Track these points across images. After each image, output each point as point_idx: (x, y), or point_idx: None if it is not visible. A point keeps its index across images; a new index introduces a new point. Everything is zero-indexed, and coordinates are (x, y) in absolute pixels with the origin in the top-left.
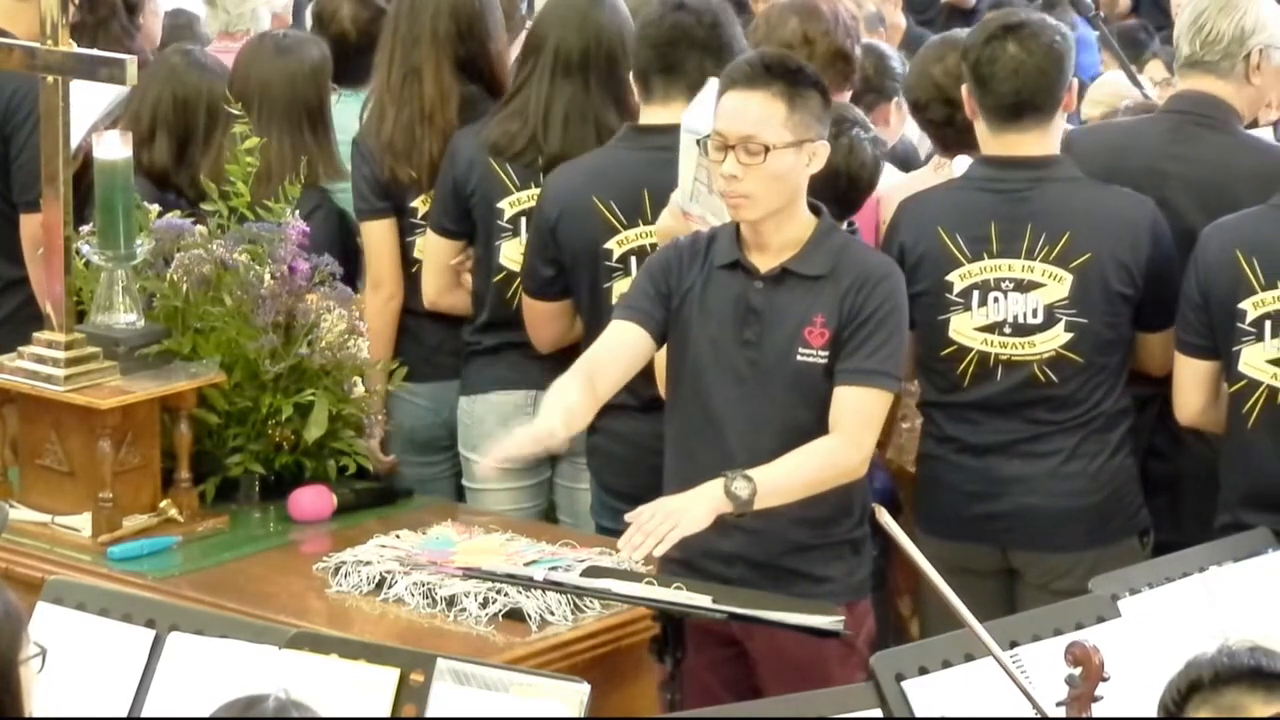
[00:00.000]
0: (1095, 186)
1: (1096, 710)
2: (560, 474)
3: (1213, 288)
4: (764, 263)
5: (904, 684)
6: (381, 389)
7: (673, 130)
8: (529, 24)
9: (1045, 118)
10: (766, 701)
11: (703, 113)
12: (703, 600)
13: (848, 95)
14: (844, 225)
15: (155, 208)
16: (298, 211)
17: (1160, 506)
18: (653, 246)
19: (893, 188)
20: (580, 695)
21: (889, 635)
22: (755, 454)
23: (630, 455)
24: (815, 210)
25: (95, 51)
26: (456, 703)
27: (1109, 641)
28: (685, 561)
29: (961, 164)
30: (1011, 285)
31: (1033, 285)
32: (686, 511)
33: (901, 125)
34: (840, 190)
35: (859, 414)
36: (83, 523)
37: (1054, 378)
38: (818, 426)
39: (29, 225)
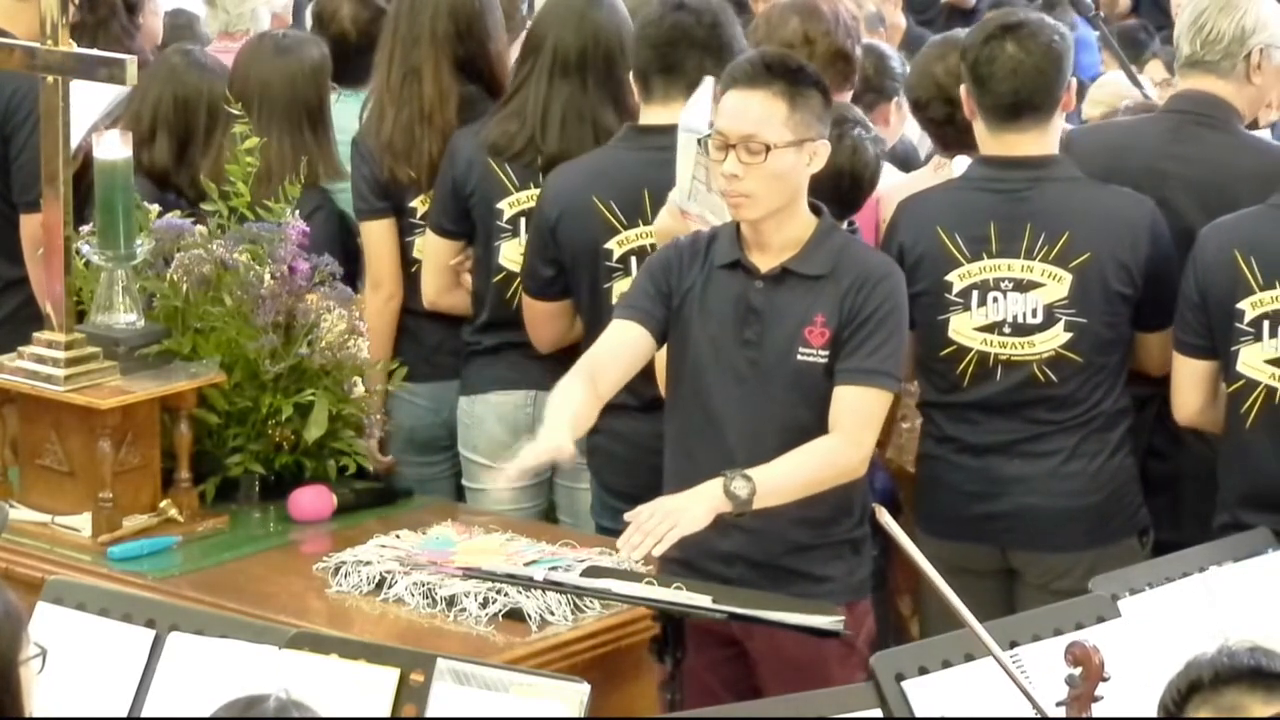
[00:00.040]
0: (1094, 186)
1: (1096, 710)
2: (560, 474)
3: (1211, 287)
4: (764, 262)
5: (904, 684)
6: (381, 389)
7: (673, 130)
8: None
9: (1044, 117)
10: (766, 701)
11: (700, 111)
12: (703, 600)
13: (848, 95)
14: (844, 225)
15: (155, 208)
16: (298, 212)
17: (1160, 506)
18: (653, 247)
19: (893, 188)
20: (580, 695)
21: (889, 635)
22: (755, 454)
23: (630, 455)
24: (815, 210)
25: (95, 51)
26: (456, 703)
27: (1109, 641)
28: (685, 561)
29: (961, 164)
30: (1011, 285)
31: (1032, 285)
32: (686, 511)
33: (901, 125)
34: (843, 190)
35: (859, 413)
36: (83, 523)
37: (1053, 377)
38: (818, 426)
39: (29, 225)
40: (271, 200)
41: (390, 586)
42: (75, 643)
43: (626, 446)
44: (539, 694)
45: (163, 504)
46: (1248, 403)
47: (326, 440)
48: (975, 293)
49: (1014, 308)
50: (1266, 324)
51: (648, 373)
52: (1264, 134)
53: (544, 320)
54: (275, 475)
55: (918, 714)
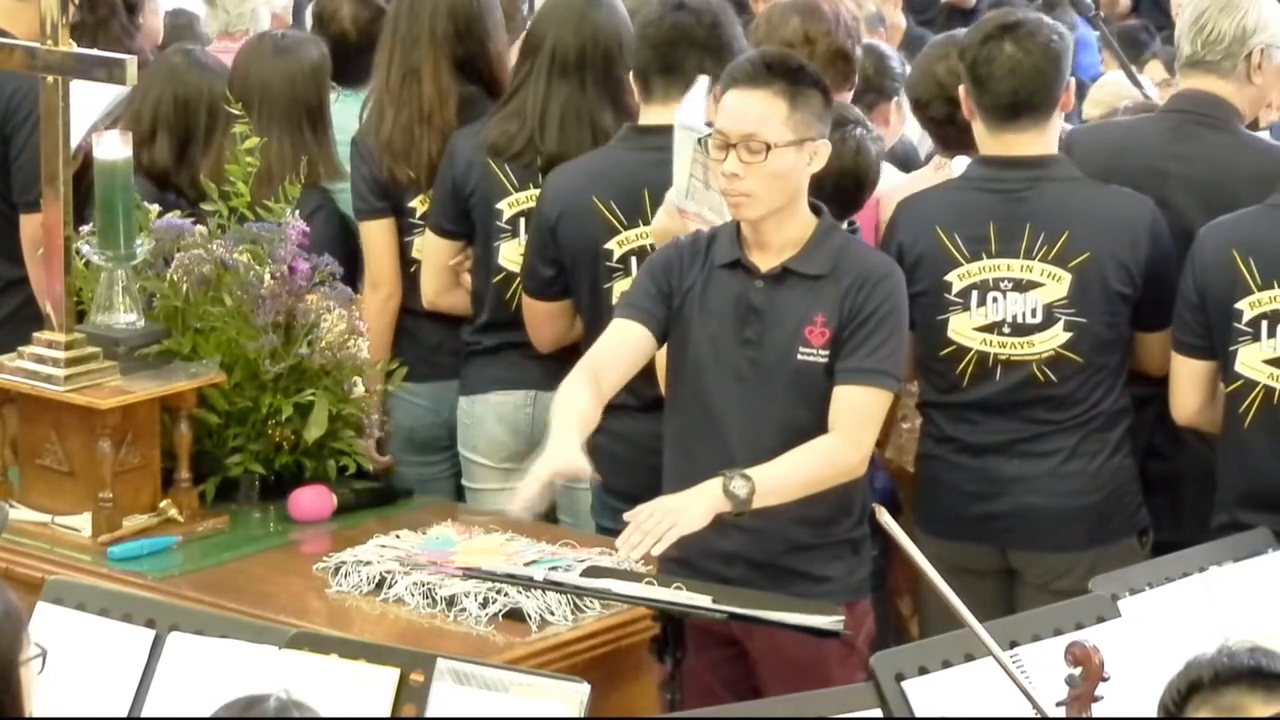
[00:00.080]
0: (1094, 186)
1: (1096, 710)
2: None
3: (1209, 287)
4: (764, 262)
5: (904, 684)
6: (381, 389)
7: (672, 130)
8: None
9: (1042, 117)
10: (766, 701)
11: (695, 109)
12: (703, 600)
13: (848, 95)
14: (845, 225)
15: (155, 208)
16: (299, 212)
17: (1160, 506)
18: (652, 247)
19: (893, 188)
20: (580, 695)
21: (889, 635)
22: (755, 453)
23: (630, 455)
24: (815, 210)
25: (95, 51)
26: (456, 703)
27: (1109, 641)
28: (684, 561)
29: (961, 164)
30: (1010, 285)
31: (1031, 285)
32: (685, 511)
33: (901, 125)
34: (847, 190)
35: (858, 413)
36: (83, 523)
37: (1053, 377)
38: (818, 426)
39: (29, 225)
40: (272, 200)
41: (390, 586)
42: (75, 643)
43: (626, 446)
44: (539, 694)
45: (163, 504)
46: (1246, 403)
47: (326, 440)
48: (975, 293)
49: (1013, 307)
50: (1265, 324)
51: (648, 372)
52: (1264, 134)
53: (544, 320)
54: (275, 475)
55: (918, 714)
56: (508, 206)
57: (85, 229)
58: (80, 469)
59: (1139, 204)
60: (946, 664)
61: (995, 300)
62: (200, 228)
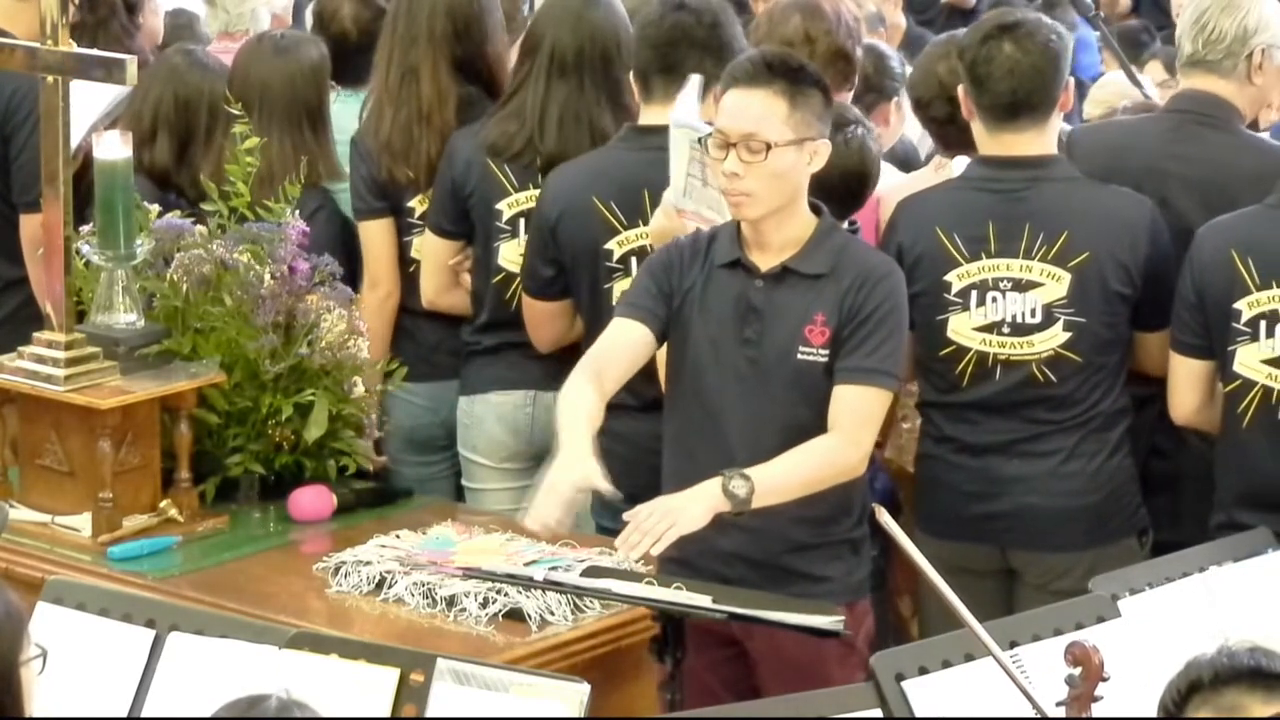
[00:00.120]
0: (1093, 186)
1: (1096, 710)
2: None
3: (1208, 287)
4: (764, 261)
5: (904, 684)
6: (380, 389)
7: None
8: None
9: (1041, 117)
10: (766, 701)
11: (690, 108)
12: (703, 600)
13: (848, 96)
14: (845, 224)
15: (155, 208)
16: (300, 212)
17: (1160, 506)
18: (652, 247)
19: (893, 188)
20: (580, 695)
21: (889, 635)
22: (755, 453)
23: (630, 455)
24: (815, 209)
25: (95, 51)
26: (456, 703)
27: (1109, 641)
28: (684, 560)
29: (961, 164)
30: (1010, 285)
31: (1031, 285)
32: (684, 510)
33: (901, 125)
34: (849, 190)
35: (858, 412)
36: (83, 523)
37: (1052, 377)
38: (818, 425)
39: (29, 225)
40: (272, 200)
41: (390, 586)
42: (75, 643)
43: (626, 446)
44: (539, 694)
45: (163, 504)
46: (1244, 402)
47: (326, 440)
48: (974, 293)
49: (1013, 307)
50: (1263, 324)
51: (648, 372)
52: (1263, 135)
53: (544, 320)
54: (275, 475)
55: (918, 714)
56: (507, 207)
57: (85, 229)
58: (80, 469)
59: (1138, 204)
60: (946, 664)
61: (995, 300)
62: (200, 228)
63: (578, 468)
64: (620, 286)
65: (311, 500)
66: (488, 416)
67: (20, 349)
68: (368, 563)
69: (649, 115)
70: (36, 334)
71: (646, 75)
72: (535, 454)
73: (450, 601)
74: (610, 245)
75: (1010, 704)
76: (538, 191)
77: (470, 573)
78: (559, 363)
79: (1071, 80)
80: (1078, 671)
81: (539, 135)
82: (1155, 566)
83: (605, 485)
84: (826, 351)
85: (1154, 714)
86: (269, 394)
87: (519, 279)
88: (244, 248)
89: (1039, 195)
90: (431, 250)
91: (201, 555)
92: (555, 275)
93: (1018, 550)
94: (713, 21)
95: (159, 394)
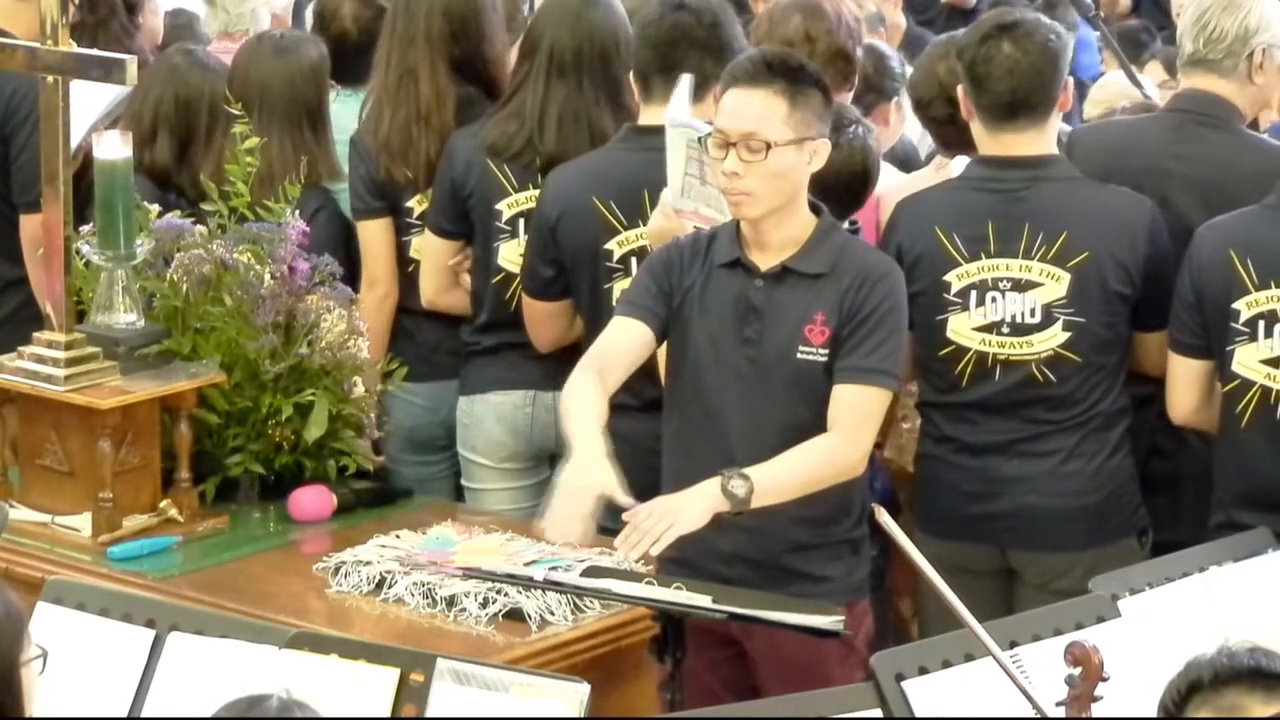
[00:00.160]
0: (1093, 186)
1: (1096, 710)
2: (560, 474)
3: (1206, 287)
4: (764, 261)
5: (904, 684)
6: (379, 389)
7: None
8: None
9: (1041, 117)
10: (766, 701)
11: (684, 107)
12: (703, 600)
13: (848, 96)
14: (845, 224)
15: (155, 208)
16: (301, 212)
17: (1160, 506)
18: (651, 248)
19: (893, 188)
20: (580, 695)
21: (889, 635)
22: (755, 452)
23: (630, 455)
24: (815, 209)
25: (95, 51)
26: (456, 703)
27: (1109, 641)
28: (684, 560)
29: (962, 164)
30: (1009, 285)
31: (1030, 285)
32: (683, 510)
33: (901, 125)
34: (850, 189)
35: (857, 412)
36: (83, 523)
37: (1052, 377)
38: (817, 425)
39: (29, 225)
40: (272, 200)
41: (390, 586)
42: (75, 643)
43: (626, 446)
44: (539, 694)
45: (163, 504)
46: (1243, 403)
47: (326, 440)
48: (974, 293)
49: (1012, 307)
50: (1262, 324)
51: (648, 372)
52: (1263, 136)
53: (544, 320)
54: (275, 475)
55: (918, 714)
56: (507, 207)
57: (85, 229)
58: (80, 469)
59: (1138, 204)
60: (946, 664)
61: (994, 300)
62: (200, 228)
63: (595, 477)
64: (620, 286)
65: (311, 500)
66: (487, 416)
67: (20, 349)
68: (368, 563)
69: (649, 115)
70: (36, 334)
71: (646, 75)
72: (535, 454)
73: (450, 601)
74: (610, 245)
75: (1010, 704)
76: (537, 192)
77: (470, 573)
78: (558, 363)
79: (1071, 80)
80: (1078, 671)
81: (538, 135)
82: (1155, 566)
83: (623, 497)
84: (826, 351)
85: (1154, 714)
86: (269, 394)
87: (518, 279)
88: (244, 248)
89: (1038, 195)
90: (431, 250)
91: (201, 555)
92: (555, 275)
93: (1017, 550)
94: (713, 21)
95: (159, 394)
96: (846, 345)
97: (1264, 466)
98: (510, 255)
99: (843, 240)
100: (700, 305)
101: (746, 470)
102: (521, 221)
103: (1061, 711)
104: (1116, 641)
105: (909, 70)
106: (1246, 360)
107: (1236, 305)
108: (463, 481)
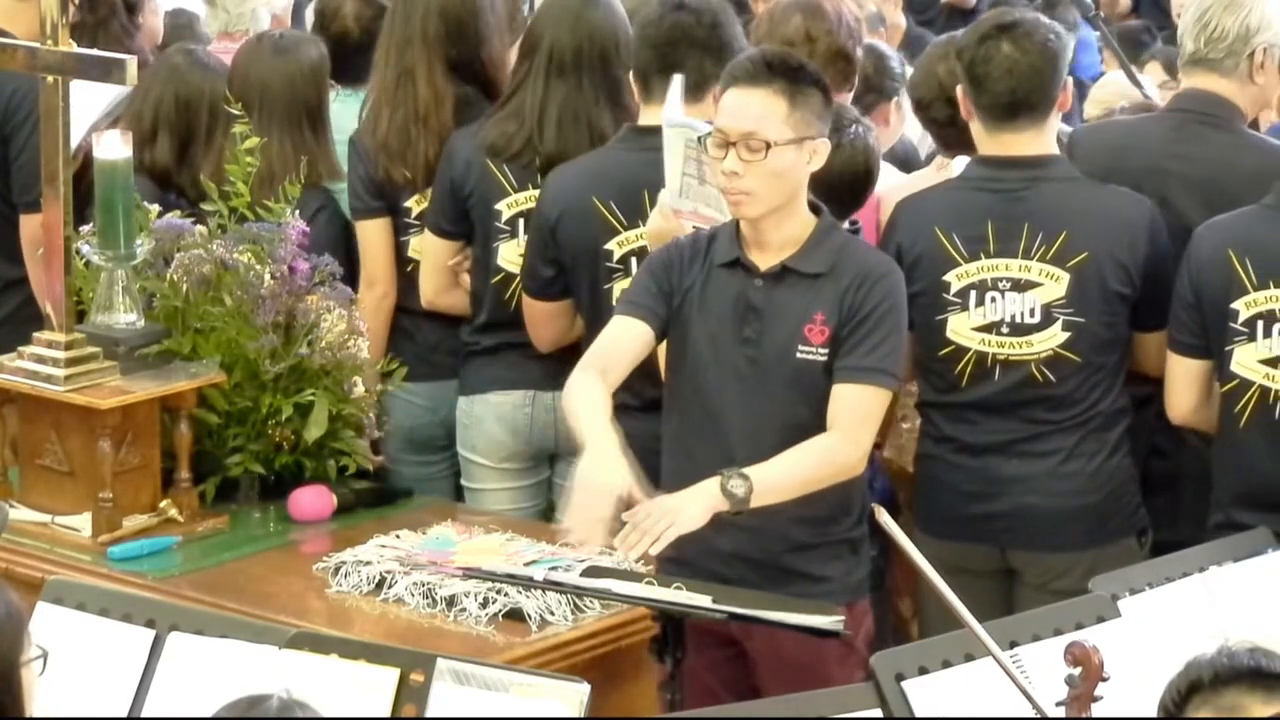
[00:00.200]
0: (1092, 186)
1: (1096, 710)
2: (559, 474)
3: (1205, 287)
4: (764, 260)
5: (904, 684)
6: (379, 389)
7: None
8: None
9: (1040, 117)
10: (766, 701)
11: (678, 105)
12: (703, 600)
13: (848, 96)
14: (846, 224)
15: (155, 208)
16: (302, 212)
17: (1160, 506)
18: (651, 249)
19: (893, 188)
20: (580, 695)
21: (889, 635)
22: (755, 452)
23: (630, 455)
24: (815, 209)
25: (95, 51)
26: (456, 703)
27: (1109, 641)
28: (683, 560)
29: (963, 164)
30: (1009, 285)
31: (1030, 285)
32: (682, 510)
33: (901, 125)
34: (850, 189)
35: (857, 411)
36: (83, 523)
37: (1052, 377)
38: (817, 424)
39: (29, 225)
40: (272, 200)
41: (390, 586)
42: (75, 643)
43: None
44: (539, 694)
45: (163, 504)
46: (1241, 403)
47: (326, 440)
48: (973, 293)
49: (1012, 307)
50: (1260, 324)
51: (648, 372)
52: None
53: (544, 320)
54: (275, 475)
55: (918, 714)
56: (506, 207)
57: (85, 229)
58: (80, 469)
59: (1137, 204)
60: (946, 664)
61: (994, 300)
62: (200, 228)
63: (613, 476)
64: (620, 286)
65: (311, 500)
66: (487, 416)
67: (20, 349)
68: (368, 563)
69: (649, 115)
70: (36, 334)
71: (646, 75)
72: (534, 454)
73: (450, 601)
74: (610, 245)
75: (1010, 704)
76: (537, 192)
77: (470, 573)
78: (558, 363)
79: (1070, 80)
80: (1078, 671)
81: (538, 135)
82: (1155, 566)
83: (641, 493)
84: (826, 351)
85: (1154, 714)
86: (269, 394)
87: (518, 279)
88: (244, 248)
89: (1038, 195)
90: (431, 251)
91: (201, 555)
92: (555, 275)
93: (1017, 550)
94: (713, 21)
95: (159, 394)
96: (846, 345)
97: (1262, 466)
98: (510, 255)
99: (842, 240)
100: (700, 305)
101: (746, 470)
102: (521, 221)
103: (1061, 711)
104: (1116, 641)
105: (909, 70)
106: (1245, 360)
107: (1235, 305)
108: (462, 481)
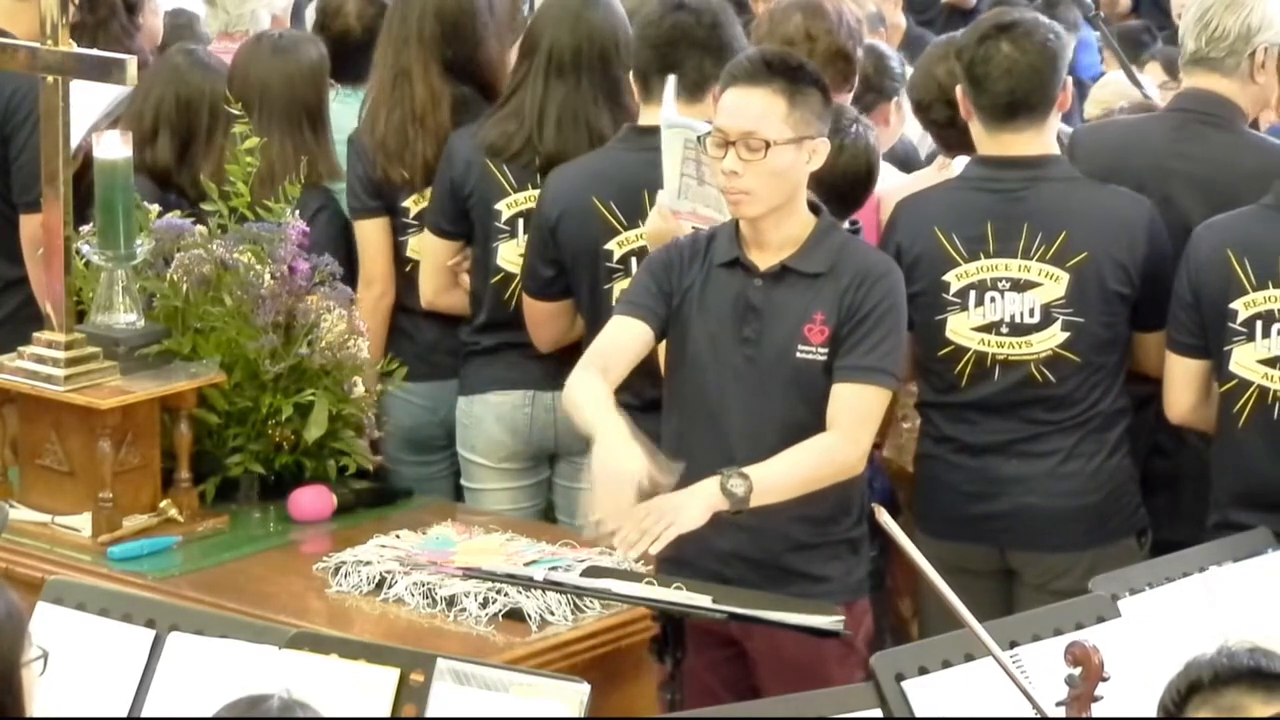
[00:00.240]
0: (1092, 186)
1: (1096, 710)
2: (559, 474)
3: (1204, 287)
4: (763, 260)
5: (904, 684)
6: (378, 389)
7: None
8: None
9: (1040, 117)
10: (766, 701)
11: (672, 106)
12: (703, 600)
13: (848, 96)
14: (847, 224)
15: (155, 208)
16: (302, 212)
17: (1159, 505)
18: (651, 249)
19: (893, 188)
20: (580, 695)
21: (889, 635)
22: (754, 451)
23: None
24: (814, 208)
25: (95, 51)
26: (456, 703)
27: (1109, 641)
28: (683, 560)
29: (963, 164)
30: (1008, 285)
31: (1029, 285)
32: (682, 510)
33: (901, 125)
34: (853, 190)
35: (856, 411)
36: (83, 523)
37: (1051, 377)
38: (817, 424)
39: (29, 225)
40: (272, 200)
41: (390, 586)
42: (75, 643)
43: None
44: (539, 694)
45: (163, 504)
46: (1240, 402)
47: (326, 440)
48: (973, 293)
49: (1011, 307)
50: (1259, 324)
51: (648, 372)
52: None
53: (544, 320)
54: (275, 475)
55: (918, 714)
56: (506, 207)
57: (85, 229)
58: (80, 469)
59: (1137, 204)
60: (946, 664)
61: (993, 300)
62: (200, 228)
63: (630, 463)
64: (620, 287)
65: (311, 500)
66: (486, 416)
67: (20, 349)
68: (368, 563)
69: (649, 116)
70: (36, 334)
71: (646, 75)
72: (534, 454)
73: (450, 601)
74: (610, 245)
75: (1010, 704)
76: (536, 192)
77: (470, 573)
78: (558, 363)
79: (1070, 80)
80: (1078, 671)
81: (538, 135)
82: (1155, 566)
83: (661, 475)
84: (825, 350)
85: (1154, 714)
86: (269, 394)
87: (518, 279)
88: (244, 248)
89: (1037, 195)
90: (430, 251)
91: (201, 555)
92: (555, 275)
93: (1017, 550)
94: (713, 21)
95: (159, 394)
96: (846, 344)
97: (1261, 466)
98: (509, 255)
99: (842, 239)
100: (699, 305)
101: (745, 469)
102: (521, 221)
103: (1061, 711)
104: (1116, 641)
105: (909, 70)
106: (1244, 360)
107: (1234, 305)
108: (462, 481)
